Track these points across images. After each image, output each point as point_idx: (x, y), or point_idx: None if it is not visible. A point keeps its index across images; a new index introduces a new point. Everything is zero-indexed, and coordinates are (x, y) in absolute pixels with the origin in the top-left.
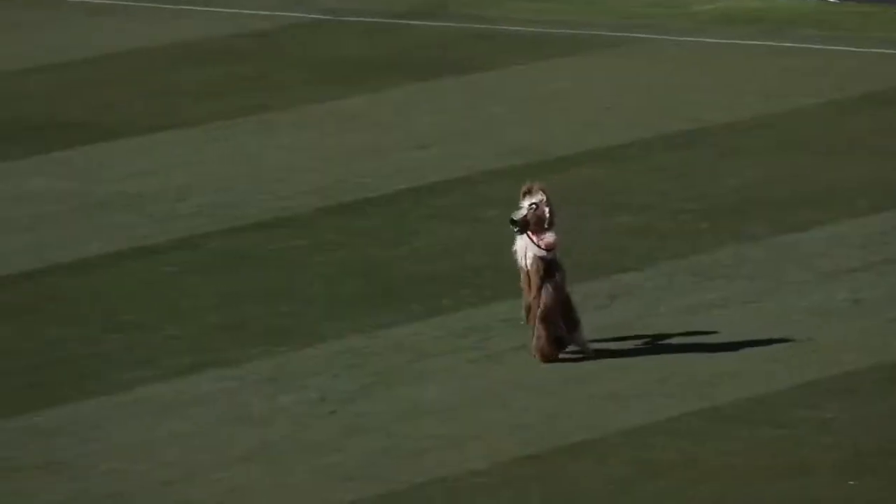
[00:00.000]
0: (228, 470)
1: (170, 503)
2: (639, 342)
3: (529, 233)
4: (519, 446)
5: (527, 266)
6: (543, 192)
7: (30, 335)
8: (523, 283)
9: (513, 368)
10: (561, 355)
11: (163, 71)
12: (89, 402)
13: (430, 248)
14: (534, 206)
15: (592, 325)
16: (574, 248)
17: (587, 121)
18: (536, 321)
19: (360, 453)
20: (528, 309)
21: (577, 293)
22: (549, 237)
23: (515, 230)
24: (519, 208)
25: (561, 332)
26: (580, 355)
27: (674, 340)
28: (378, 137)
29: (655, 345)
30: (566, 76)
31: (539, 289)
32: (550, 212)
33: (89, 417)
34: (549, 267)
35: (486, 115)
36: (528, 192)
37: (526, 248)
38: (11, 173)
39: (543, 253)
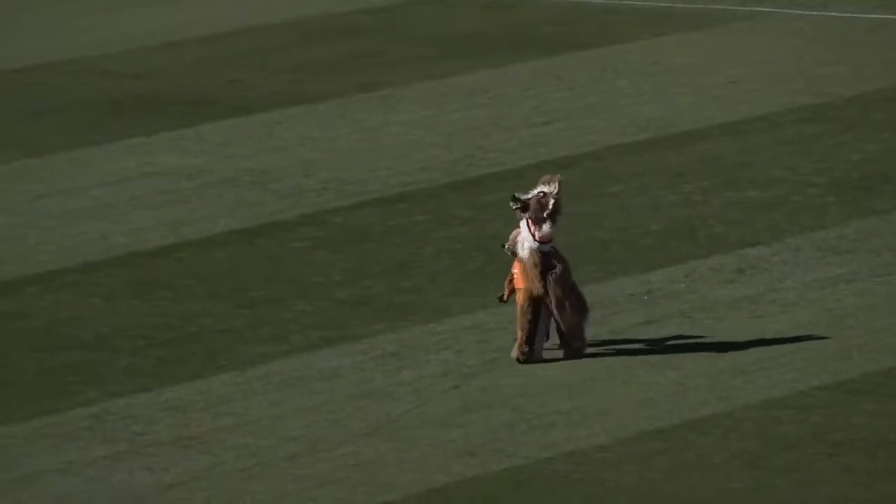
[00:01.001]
0: (353, 444)
1: (296, 478)
2: (765, 316)
3: (530, 221)
4: (644, 421)
5: (524, 259)
6: (559, 185)
7: (162, 311)
8: (522, 276)
9: (637, 344)
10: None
11: (288, 47)
12: (220, 377)
13: (556, 223)
14: (541, 193)
15: (719, 299)
16: (700, 223)
17: (712, 95)
18: (554, 310)
19: (483, 428)
20: (529, 295)
21: (704, 267)
22: (545, 229)
23: (514, 207)
24: (531, 191)
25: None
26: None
27: (800, 314)
28: (503, 112)
29: (781, 319)
30: (691, 50)
31: (542, 281)
32: (555, 206)
33: (220, 392)
34: (545, 259)
35: (610, 90)
36: (547, 182)
37: (524, 238)
38: (142, 150)
39: (538, 245)
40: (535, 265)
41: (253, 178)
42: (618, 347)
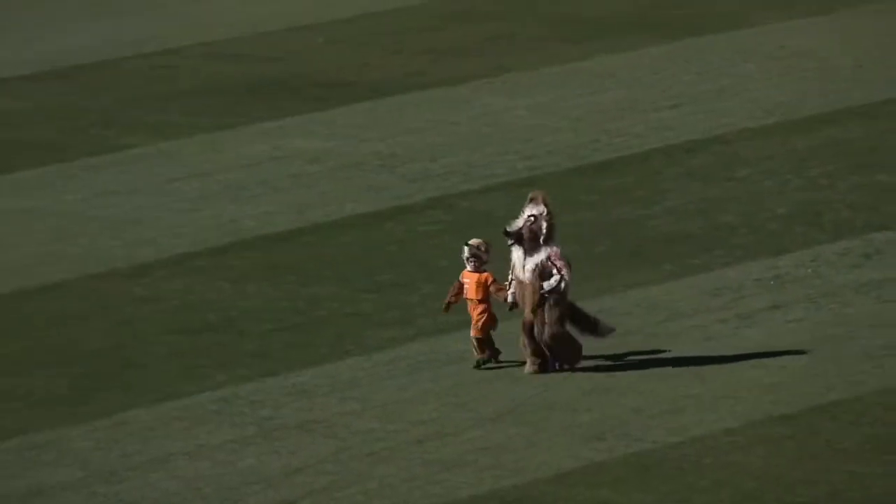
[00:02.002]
0: (481, 428)
1: (423, 461)
2: (892, 301)
3: (525, 249)
4: (772, 405)
5: (525, 279)
6: (545, 203)
7: (290, 295)
8: (520, 296)
9: (765, 328)
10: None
11: (421, 31)
12: (347, 361)
13: (683, 208)
14: (532, 217)
15: (845, 284)
16: (826, 208)
17: (840, 78)
18: (550, 343)
19: (611, 412)
20: (531, 325)
21: (830, 252)
22: (563, 281)
23: (509, 243)
24: (520, 216)
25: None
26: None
27: None
28: (630, 96)
29: None
30: (820, 34)
31: (539, 307)
32: (549, 226)
33: (347, 377)
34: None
35: (739, 74)
36: (533, 201)
37: (525, 261)
38: (271, 134)
39: (552, 286)
40: (536, 291)
41: (381, 162)
42: (745, 332)
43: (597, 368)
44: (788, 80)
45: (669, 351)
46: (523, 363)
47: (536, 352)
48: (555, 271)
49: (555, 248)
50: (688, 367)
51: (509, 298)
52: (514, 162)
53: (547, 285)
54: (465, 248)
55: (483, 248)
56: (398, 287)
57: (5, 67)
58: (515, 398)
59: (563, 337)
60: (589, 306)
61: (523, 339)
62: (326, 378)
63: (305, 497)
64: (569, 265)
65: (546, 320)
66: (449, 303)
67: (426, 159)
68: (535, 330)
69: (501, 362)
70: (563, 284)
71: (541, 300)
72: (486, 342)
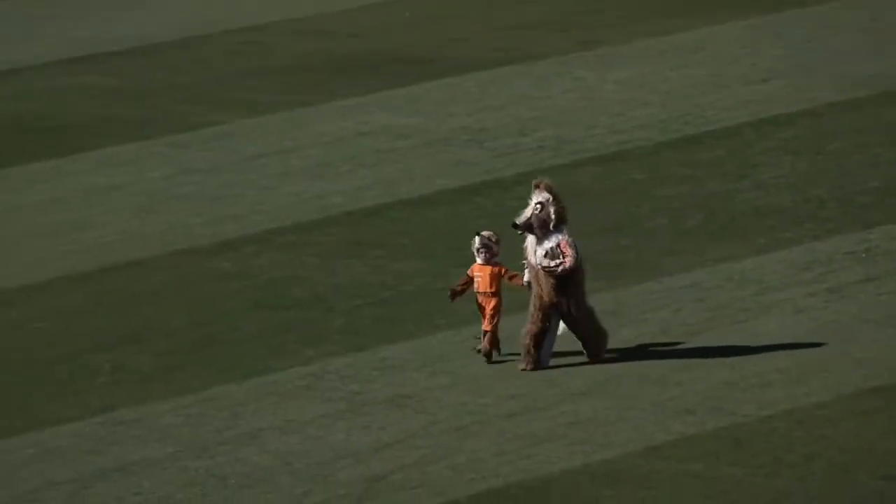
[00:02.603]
0: (570, 403)
1: (514, 436)
2: None
3: (537, 235)
4: (863, 379)
5: (537, 265)
6: (550, 190)
7: (378, 270)
8: (533, 281)
9: (856, 301)
10: None
11: (508, 5)
12: (436, 336)
13: (773, 181)
14: (539, 206)
15: None
16: None
17: None
18: (584, 334)
19: (702, 386)
20: (540, 304)
21: None
22: (568, 261)
23: (519, 233)
24: (526, 206)
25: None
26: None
27: None
28: (720, 70)
29: None
30: None
31: (556, 292)
32: (557, 212)
33: (436, 352)
34: (564, 280)
35: (828, 47)
36: (537, 188)
37: (536, 247)
38: (359, 110)
39: (556, 270)
40: (547, 277)
41: (469, 137)
42: (836, 306)
43: (686, 343)
44: (878, 53)
45: (759, 325)
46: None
47: (533, 348)
48: (561, 258)
49: (565, 236)
50: (778, 341)
51: (526, 277)
52: (604, 136)
53: (545, 263)
54: (476, 239)
55: (494, 240)
56: None
57: (91, 44)
58: (605, 372)
59: (590, 317)
60: (678, 281)
61: (528, 332)
62: (416, 353)
63: (396, 472)
64: (577, 254)
65: (568, 305)
66: (455, 291)
67: (516, 134)
68: (561, 311)
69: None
70: (560, 269)
71: (557, 286)
72: (492, 336)
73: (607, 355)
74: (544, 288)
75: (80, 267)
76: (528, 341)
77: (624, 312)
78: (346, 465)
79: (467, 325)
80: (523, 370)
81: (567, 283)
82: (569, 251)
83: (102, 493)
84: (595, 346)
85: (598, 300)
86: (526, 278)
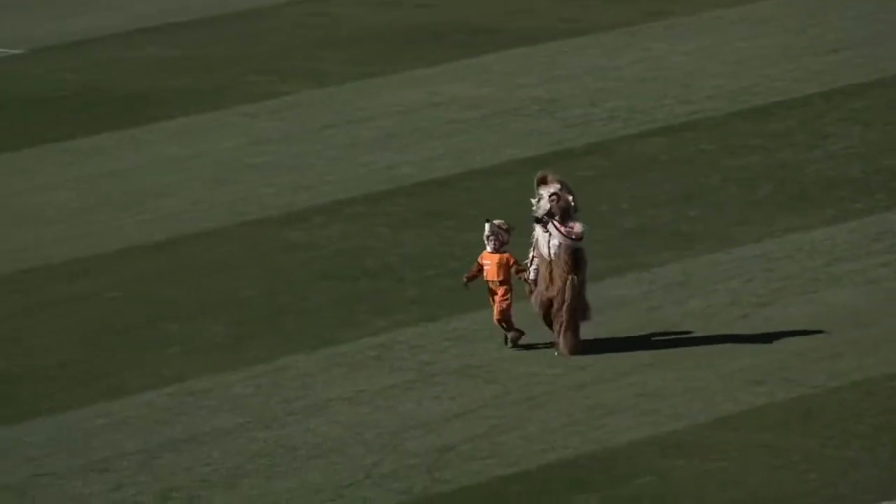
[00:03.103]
0: (639, 374)
1: (583, 406)
2: None
3: (556, 223)
4: None
5: (551, 256)
6: (559, 181)
7: (448, 241)
8: (544, 275)
9: None
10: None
11: None
12: None
13: (844, 151)
14: (554, 196)
15: None
16: None
17: None
18: (565, 316)
19: (771, 357)
20: (549, 303)
21: None
22: (578, 227)
23: (539, 222)
24: (539, 198)
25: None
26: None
27: None
28: (790, 41)
29: None
30: None
31: (565, 281)
32: (573, 199)
33: None
34: (576, 256)
35: None
36: (543, 182)
37: (549, 239)
38: (428, 80)
39: (576, 244)
40: (567, 262)
41: (539, 108)
42: None
43: (755, 313)
44: None
45: (829, 295)
46: (549, 343)
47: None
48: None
49: (579, 225)
50: (848, 312)
51: (531, 275)
52: (673, 106)
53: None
54: (487, 226)
55: (505, 228)
56: None
57: (158, 16)
58: (674, 344)
59: (581, 295)
60: (748, 251)
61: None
62: (486, 323)
63: (466, 442)
64: (581, 236)
65: (568, 285)
66: (468, 278)
67: (586, 104)
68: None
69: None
70: (574, 235)
71: (570, 268)
72: (506, 325)
73: (581, 351)
74: (559, 272)
75: (152, 237)
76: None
77: (693, 283)
78: (416, 436)
79: None
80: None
81: (579, 265)
82: (578, 227)
83: (172, 464)
84: (571, 340)
85: (667, 271)
86: (532, 276)
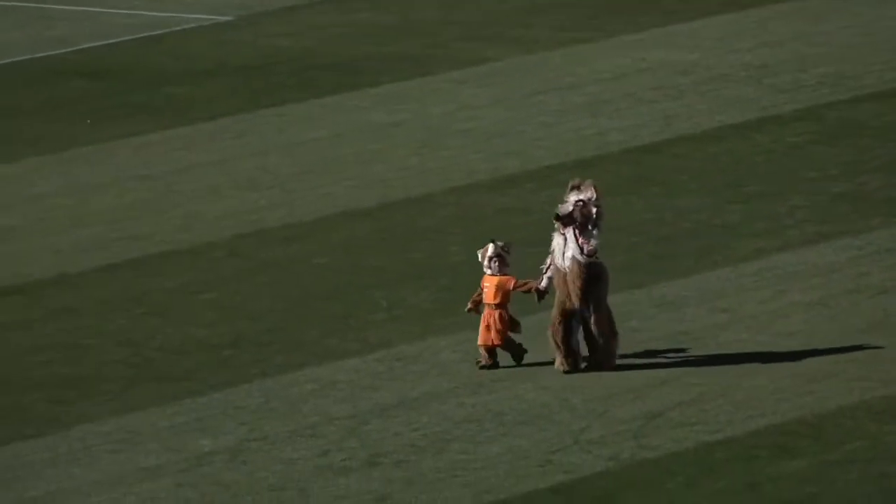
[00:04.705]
0: (849, 340)
1: (791, 373)
2: None
3: (576, 231)
4: None
5: (565, 268)
6: (595, 189)
7: (656, 207)
8: (558, 284)
9: None
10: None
11: None
12: (715, 272)
13: None
14: (581, 202)
15: None
16: None
17: None
18: (599, 330)
19: None
20: (562, 310)
21: None
22: (593, 242)
23: (558, 223)
24: (564, 202)
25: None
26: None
27: None
28: None
29: None
30: None
31: (583, 293)
32: (598, 213)
33: (714, 288)
34: (589, 271)
35: None
36: (577, 188)
37: (564, 249)
38: (636, 47)
39: (584, 258)
40: (579, 277)
41: (748, 74)
42: None
43: None
44: None
45: None
46: (550, 362)
47: (568, 350)
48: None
49: (593, 241)
50: None
51: (544, 283)
52: (883, 72)
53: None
54: (490, 247)
55: (507, 249)
56: (766, 198)
57: None
58: (885, 310)
59: (608, 320)
60: None
61: (554, 334)
62: (694, 290)
63: (673, 408)
64: (593, 253)
65: (591, 304)
66: (474, 303)
67: (795, 70)
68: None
69: (523, 364)
70: (587, 249)
71: (585, 285)
72: (506, 346)
73: (617, 362)
74: (572, 288)
75: (361, 203)
76: (556, 340)
77: None
78: (623, 402)
79: (745, 262)
80: (566, 372)
81: (594, 283)
82: (593, 242)
83: (380, 429)
84: (603, 354)
85: (876, 237)
86: (544, 283)
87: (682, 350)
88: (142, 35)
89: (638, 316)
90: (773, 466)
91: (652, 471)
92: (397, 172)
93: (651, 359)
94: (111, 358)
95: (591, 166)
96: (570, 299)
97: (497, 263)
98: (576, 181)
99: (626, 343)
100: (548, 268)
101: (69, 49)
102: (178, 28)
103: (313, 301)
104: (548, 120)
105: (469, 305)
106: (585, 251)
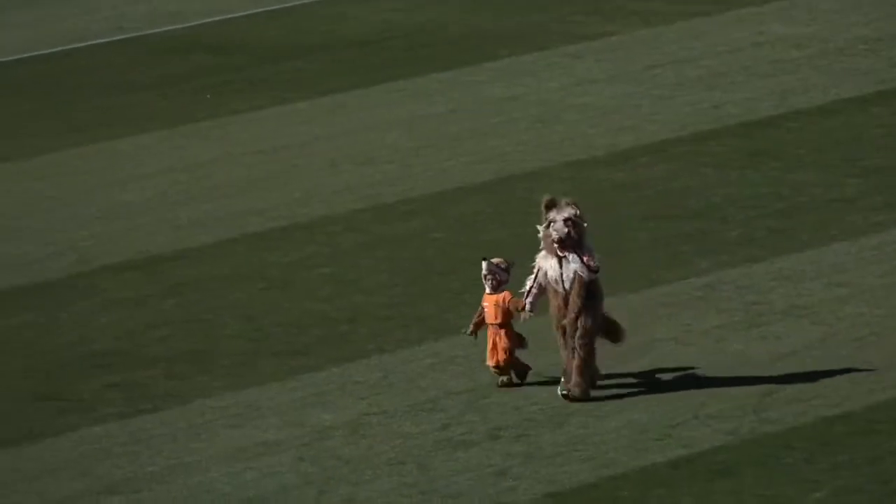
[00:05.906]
0: None
1: None
2: None
3: (578, 251)
4: None
5: (565, 289)
6: (575, 205)
7: (773, 181)
8: (559, 305)
9: None
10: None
11: None
12: (832, 246)
13: None
14: (570, 221)
15: None
16: None
17: None
18: (579, 351)
19: None
20: (564, 331)
21: None
22: (596, 260)
23: (561, 248)
24: (549, 223)
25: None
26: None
27: None
28: None
29: None
30: None
31: (580, 310)
32: (586, 228)
33: (832, 262)
34: (589, 288)
35: None
36: (554, 206)
37: (562, 269)
38: (753, 20)
39: (592, 276)
40: (579, 296)
41: (866, 47)
42: None
43: None
44: None
45: None
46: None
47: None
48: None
49: (591, 252)
50: None
51: (527, 308)
52: None
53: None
54: (484, 265)
55: (504, 267)
56: (883, 171)
57: None
58: None
59: (596, 332)
60: None
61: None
62: (811, 264)
63: (792, 383)
64: (598, 269)
65: (584, 322)
66: (476, 325)
67: None
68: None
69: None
70: (593, 267)
71: (586, 298)
72: (512, 365)
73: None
74: (572, 306)
75: (478, 177)
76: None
77: None
78: (743, 377)
79: (864, 236)
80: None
81: (590, 298)
82: (594, 263)
83: (500, 402)
84: (582, 384)
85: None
86: (529, 305)
87: (801, 324)
88: (257, 11)
89: (756, 290)
90: (894, 441)
91: (771, 445)
92: (513, 147)
93: (770, 333)
94: (229, 333)
95: (707, 140)
96: (568, 317)
97: (492, 281)
98: (548, 199)
99: (746, 318)
100: (529, 292)
101: (184, 25)
102: (290, 4)
103: (431, 276)
104: (663, 93)
105: (470, 328)
106: (593, 269)
